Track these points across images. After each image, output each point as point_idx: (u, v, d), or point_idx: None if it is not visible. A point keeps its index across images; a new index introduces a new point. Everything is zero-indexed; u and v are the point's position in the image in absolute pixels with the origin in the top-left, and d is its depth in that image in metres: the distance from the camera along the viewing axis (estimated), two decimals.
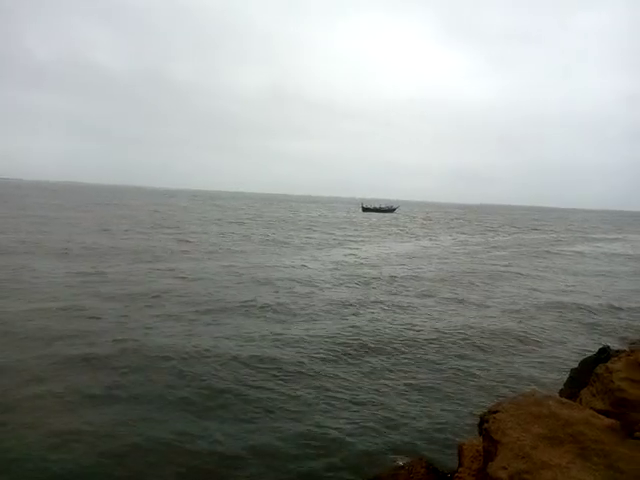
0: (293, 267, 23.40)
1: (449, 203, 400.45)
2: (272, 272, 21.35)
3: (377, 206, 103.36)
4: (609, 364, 4.93)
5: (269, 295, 16.58)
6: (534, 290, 20.39)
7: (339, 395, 8.75)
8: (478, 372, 10.32)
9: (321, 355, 10.70)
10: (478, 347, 12.01)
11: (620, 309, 17.13)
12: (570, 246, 43.16)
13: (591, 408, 4.46)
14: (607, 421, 3.64)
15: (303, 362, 10.17)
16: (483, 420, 3.94)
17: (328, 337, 11.97)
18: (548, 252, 36.68)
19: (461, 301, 17.46)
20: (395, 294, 18.13)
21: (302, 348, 11.09)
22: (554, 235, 58.20)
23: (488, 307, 16.71)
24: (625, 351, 5.93)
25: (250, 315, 13.95)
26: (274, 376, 9.42)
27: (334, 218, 74.30)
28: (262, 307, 14.78)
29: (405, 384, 9.45)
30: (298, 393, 8.74)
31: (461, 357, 11.25)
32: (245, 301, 15.30)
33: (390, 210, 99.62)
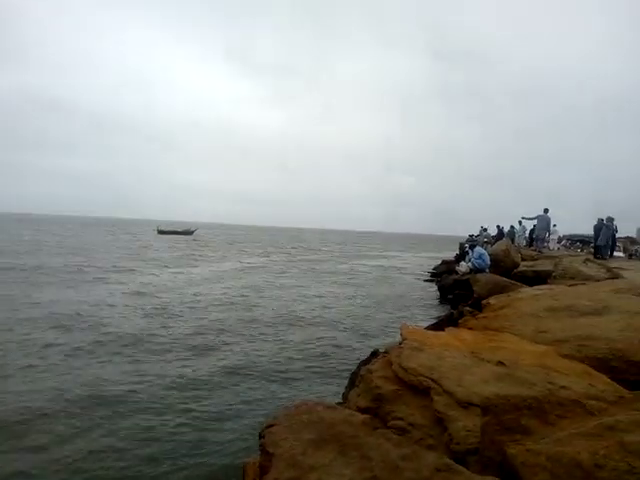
0: None
1: (240, 225, 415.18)
2: None
3: (174, 229, 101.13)
4: (369, 365, 5.64)
5: None
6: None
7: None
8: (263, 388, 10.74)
9: None
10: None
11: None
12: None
13: (357, 407, 5.03)
14: (362, 417, 4.16)
15: None
16: (261, 436, 4.08)
17: None
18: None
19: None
20: None
21: None
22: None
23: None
24: (383, 352, 6.84)
25: None
26: None
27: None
28: None
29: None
30: None
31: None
32: None
33: (188, 233, 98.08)
